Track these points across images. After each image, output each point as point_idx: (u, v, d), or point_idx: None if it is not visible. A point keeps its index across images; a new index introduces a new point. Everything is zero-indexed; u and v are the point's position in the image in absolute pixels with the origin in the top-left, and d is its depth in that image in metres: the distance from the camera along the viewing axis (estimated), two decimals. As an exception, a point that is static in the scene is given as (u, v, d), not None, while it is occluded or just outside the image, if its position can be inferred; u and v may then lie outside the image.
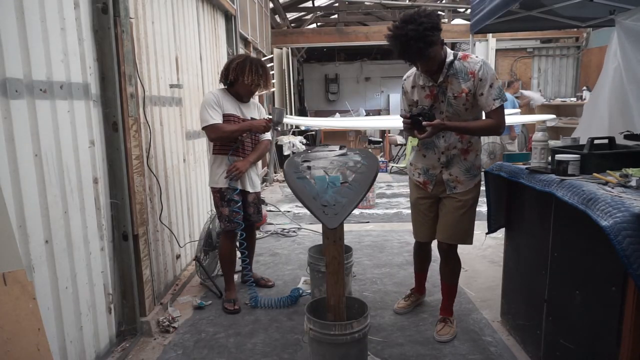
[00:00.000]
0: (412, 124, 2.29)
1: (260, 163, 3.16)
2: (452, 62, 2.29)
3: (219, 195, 2.90)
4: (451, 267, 2.59)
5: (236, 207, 2.89)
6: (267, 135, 3.06)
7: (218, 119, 2.77)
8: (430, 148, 2.46)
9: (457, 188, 2.44)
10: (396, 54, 2.19)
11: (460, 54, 2.32)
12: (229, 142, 2.88)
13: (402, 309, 2.90)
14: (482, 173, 2.52)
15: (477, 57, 2.32)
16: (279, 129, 2.97)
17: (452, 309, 2.66)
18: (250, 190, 3.01)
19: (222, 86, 2.96)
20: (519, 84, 7.59)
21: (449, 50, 2.31)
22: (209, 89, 4.21)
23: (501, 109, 2.28)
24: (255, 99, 3.09)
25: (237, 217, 2.90)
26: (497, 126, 2.29)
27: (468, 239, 2.48)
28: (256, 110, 3.03)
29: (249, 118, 2.93)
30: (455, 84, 2.29)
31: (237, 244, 3.00)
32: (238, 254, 3.12)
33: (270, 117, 2.96)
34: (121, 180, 2.46)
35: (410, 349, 2.44)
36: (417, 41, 2.08)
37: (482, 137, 2.50)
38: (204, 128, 2.80)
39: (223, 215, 2.92)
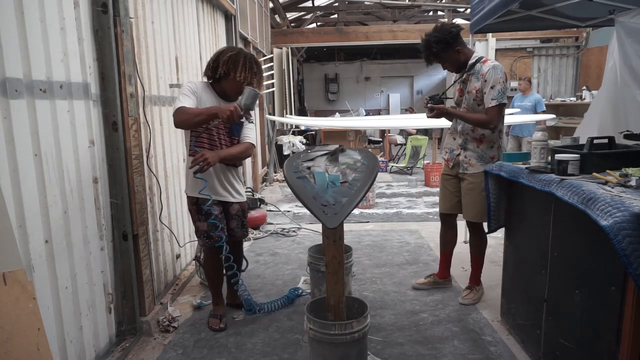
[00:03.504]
0: (427, 106, 2.82)
1: (242, 169, 2.88)
2: (474, 64, 2.74)
3: (195, 208, 2.59)
4: (477, 241, 2.99)
5: (212, 219, 2.54)
6: (251, 138, 2.67)
7: (187, 104, 2.41)
8: (456, 132, 2.92)
9: (468, 169, 2.84)
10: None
11: (483, 58, 2.76)
12: (196, 130, 2.48)
13: (419, 285, 3.20)
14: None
15: (492, 62, 2.71)
16: (252, 117, 2.70)
17: (479, 279, 3.04)
18: (233, 200, 2.68)
19: (205, 80, 2.64)
20: (517, 83, 7.58)
21: (475, 54, 2.80)
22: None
23: (497, 108, 2.66)
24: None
25: (216, 230, 2.55)
26: (488, 121, 2.70)
27: (483, 217, 2.79)
28: None
29: None
30: (472, 82, 2.76)
31: (223, 259, 2.60)
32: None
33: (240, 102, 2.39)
34: (121, 180, 2.46)
35: (410, 349, 2.44)
36: (425, 50, 2.73)
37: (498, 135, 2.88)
38: (173, 115, 2.42)
39: (200, 231, 2.62)
